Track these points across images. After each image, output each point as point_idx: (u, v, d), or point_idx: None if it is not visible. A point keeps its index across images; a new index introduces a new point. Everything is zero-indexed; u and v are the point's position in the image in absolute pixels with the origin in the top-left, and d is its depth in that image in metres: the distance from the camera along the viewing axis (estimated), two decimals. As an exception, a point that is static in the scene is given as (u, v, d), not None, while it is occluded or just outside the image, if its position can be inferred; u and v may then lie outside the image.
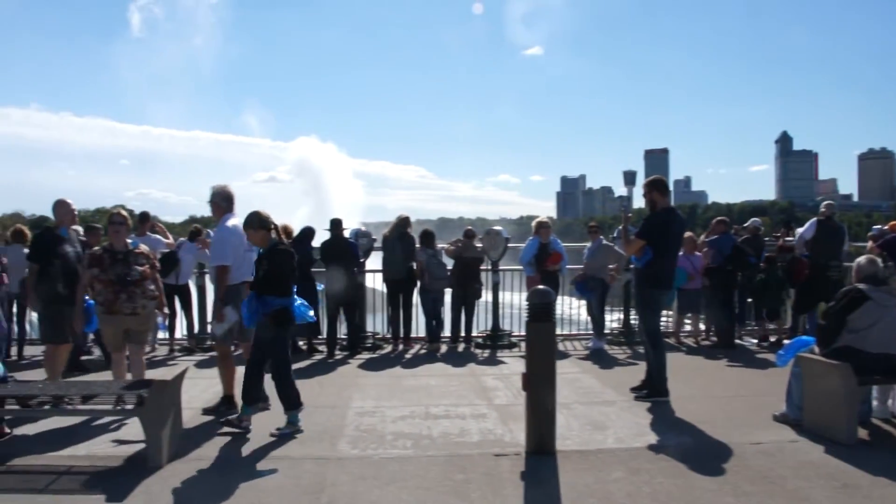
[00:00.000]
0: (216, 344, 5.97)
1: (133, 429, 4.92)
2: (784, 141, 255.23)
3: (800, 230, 8.84)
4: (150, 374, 5.63)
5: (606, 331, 9.24)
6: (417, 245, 8.87)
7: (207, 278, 8.92)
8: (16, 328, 8.36)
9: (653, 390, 6.10)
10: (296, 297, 5.34)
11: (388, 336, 9.16)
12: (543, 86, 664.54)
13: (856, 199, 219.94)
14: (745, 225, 9.94)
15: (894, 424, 5.32)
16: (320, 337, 8.77)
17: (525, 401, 4.69)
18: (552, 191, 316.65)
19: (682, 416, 5.62)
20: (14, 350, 8.29)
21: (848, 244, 9.26)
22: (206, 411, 5.71)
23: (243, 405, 5.26)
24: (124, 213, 5.82)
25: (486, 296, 9.29)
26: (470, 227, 9.39)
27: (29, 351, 8.39)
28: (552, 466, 4.42)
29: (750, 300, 9.54)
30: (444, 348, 8.89)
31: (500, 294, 9.42)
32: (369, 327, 9.46)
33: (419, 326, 9.22)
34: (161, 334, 8.80)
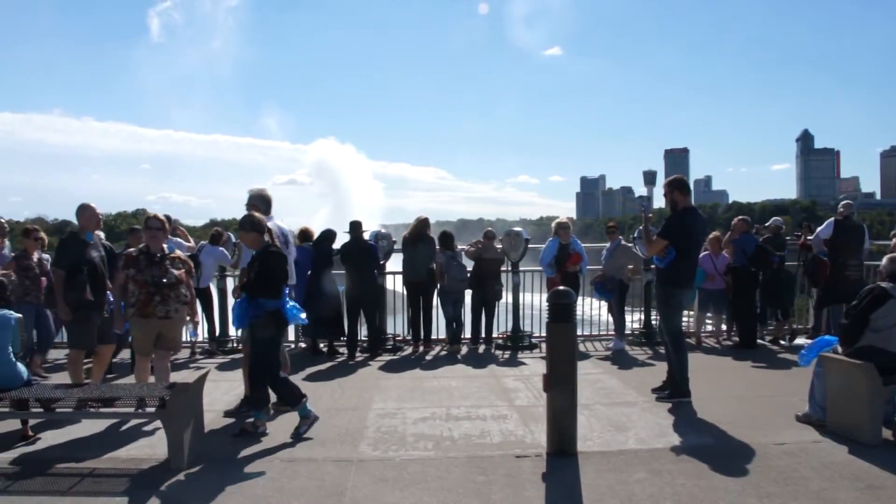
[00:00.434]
0: (243, 346, 6.03)
1: (156, 434, 5.02)
2: (805, 139, 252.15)
3: (818, 229, 8.72)
4: (172, 378, 5.65)
5: (627, 331, 9.20)
6: (437, 247, 8.89)
7: (229, 281, 9.04)
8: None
9: (675, 391, 6.07)
10: (287, 299, 5.37)
11: (409, 338, 9.18)
12: (563, 86, 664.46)
13: (878, 197, 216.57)
14: (767, 224, 9.82)
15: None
16: (342, 339, 8.82)
17: (546, 402, 4.70)
18: (572, 191, 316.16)
19: (704, 416, 5.59)
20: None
21: (869, 243, 9.11)
22: (228, 413, 5.77)
23: (255, 411, 5.31)
24: (161, 217, 5.82)
25: (507, 297, 9.26)
26: (490, 229, 9.35)
27: (50, 354, 8.33)
28: (573, 467, 4.42)
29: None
30: (464, 350, 8.89)
31: (521, 295, 9.40)
32: (390, 329, 9.48)
33: (439, 328, 9.23)
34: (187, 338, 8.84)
